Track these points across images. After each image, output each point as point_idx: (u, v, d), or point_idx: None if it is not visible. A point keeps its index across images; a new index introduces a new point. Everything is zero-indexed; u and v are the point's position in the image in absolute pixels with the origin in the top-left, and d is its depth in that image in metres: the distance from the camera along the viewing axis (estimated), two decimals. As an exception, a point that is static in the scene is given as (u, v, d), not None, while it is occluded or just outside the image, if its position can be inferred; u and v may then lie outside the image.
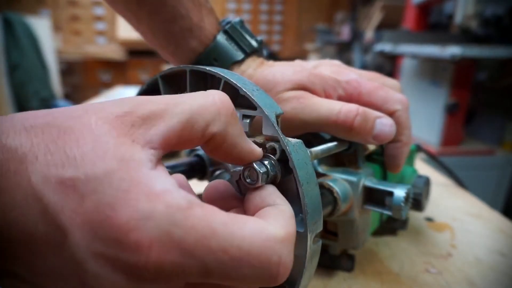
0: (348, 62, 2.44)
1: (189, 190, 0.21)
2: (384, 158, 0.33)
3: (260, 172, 0.20)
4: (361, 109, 0.29)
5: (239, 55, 0.32)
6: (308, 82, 0.31)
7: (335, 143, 0.30)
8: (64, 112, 0.16)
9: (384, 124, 0.29)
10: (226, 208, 0.20)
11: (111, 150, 0.15)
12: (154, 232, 0.14)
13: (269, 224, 0.17)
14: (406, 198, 0.28)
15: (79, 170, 0.14)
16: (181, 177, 0.23)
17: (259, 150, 0.21)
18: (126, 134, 0.16)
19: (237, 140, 0.19)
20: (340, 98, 0.32)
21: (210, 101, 0.18)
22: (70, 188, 0.14)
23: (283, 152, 0.21)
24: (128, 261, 0.14)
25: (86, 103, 0.17)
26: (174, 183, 0.16)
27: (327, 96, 0.31)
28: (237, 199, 0.22)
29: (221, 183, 0.22)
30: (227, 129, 0.18)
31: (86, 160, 0.14)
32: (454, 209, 0.49)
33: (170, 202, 0.15)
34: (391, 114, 0.31)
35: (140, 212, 0.14)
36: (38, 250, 0.14)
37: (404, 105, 0.32)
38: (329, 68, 0.34)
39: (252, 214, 0.19)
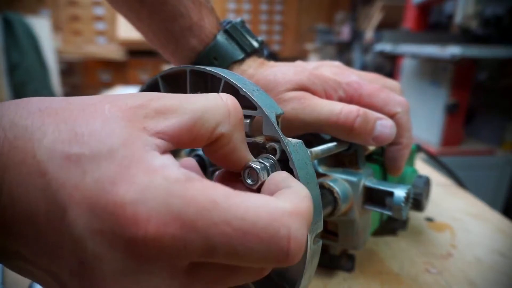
0: (348, 62, 2.44)
1: (198, 172, 0.21)
2: (384, 160, 0.33)
3: (260, 172, 0.20)
4: (362, 110, 0.29)
5: (240, 55, 0.32)
6: (309, 83, 0.31)
7: (335, 143, 0.30)
8: (80, 99, 0.17)
9: (384, 125, 0.29)
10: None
11: (119, 130, 0.15)
12: (151, 204, 0.14)
13: (277, 199, 0.16)
14: (406, 198, 0.28)
15: (85, 146, 0.14)
16: (191, 160, 0.22)
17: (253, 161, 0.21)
18: (138, 122, 0.16)
19: (239, 146, 0.19)
20: (340, 100, 0.32)
21: (222, 103, 0.18)
22: (74, 164, 0.14)
23: (283, 152, 0.21)
24: (126, 237, 0.14)
25: (103, 95, 0.18)
26: (176, 163, 0.16)
27: (328, 97, 0.31)
28: (243, 185, 0.21)
29: (226, 171, 0.22)
30: (233, 132, 0.19)
31: (92, 137, 0.15)
32: (454, 209, 0.49)
33: (168, 175, 0.15)
34: (391, 116, 0.31)
35: (138, 185, 0.14)
36: (39, 228, 0.14)
37: (405, 108, 0.32)
38: (330, 69, 0.34)
39: None
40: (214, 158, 0.20)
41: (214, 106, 0.18)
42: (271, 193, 0.18)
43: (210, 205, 0.14)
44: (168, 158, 0.16)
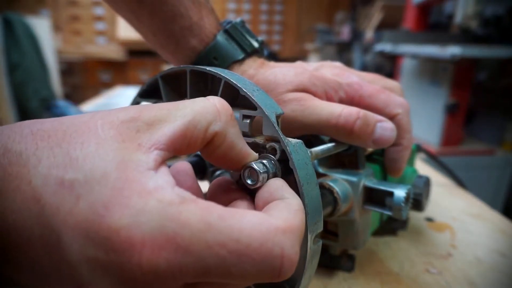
0: (348, 62, 2.44)
1: (192, 176, 0.21)
2: (384, 162, 0.33)
3: (260, 172, 0.20)
4: (362, 112, 0.29)
5: (240, 54, 0.32)
6: (309, 84, 0.31)
7: (335, 143, 0.30)
8: (72, 118, 0.17)
9: (384, 128, 0.29)
10: (229, 201, 0.20)
11: (113, 152, 0.15)
12: (145, 228, 0.14)
13: (271, 216, 0.16)
14: (407, 198, 0.28)
15: (79, 171, 0.14)
16: (185, 164, 0.22)
17: (255, 154, 0.21)
18: (132, 138, 0.16)
19: (236, 141, 0.19)
20: (341, 101, 0.32)
21: (210, 104, 0.19)
22: (68, 189, 0.14)
23: (283, 152, 0.21)
24: (120, 263, 0.14)
25: (93, 111, 0.18)
26: (170, 182, 0.16)
27: (328, 98, 0.31)
28: (240, 192, 0.22)
29: (223, 179, 0.22)
30: (227, 128, 0.19)
31: (87, 161, 0.15)
32: (454, 209, 0.49)
33: (162, 198, 0.15)
34: (392, 117, 0.31)
35: (131, 209, 0.14)
36: (35, 254, 0.14)
37: (405, 109, 0.32)
38: (330, 70, 0.34)
39: (261, 210, 0.19)
40: (213, 159, 0.20)
41: (202, 108, 0.18)
42: (265, 202, 0.19)
43: (204, 227, 0.14)
44: (163, 177, 0.16)
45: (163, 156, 0.17)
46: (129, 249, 0.14)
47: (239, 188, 0.22)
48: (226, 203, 0.20)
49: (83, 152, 0.15)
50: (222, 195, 0.21)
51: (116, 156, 0.15)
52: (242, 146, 0.20)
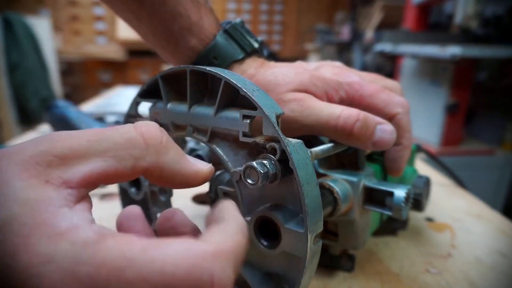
0: (348, 62, 2.44)
1: (142, 222, 0.20)
2: (384, 161, 0.33)
3: (261, 172, 0.20)
4: (362, 114, 0.28)
5: (240, 54, 0.32)
6: (309, 84, 0.31)
7: (335, 143, 0.30)
8: None
9: (384, 131, 0.29)
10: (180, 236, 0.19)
11: (15, 193, 0.14)
12: (56, 276, 0.13)
13: (200, 241, 0.15)
14: (407, 198, 0.28)
15: None
16: (134, 210, 0.20)
17: (206, 169, 0.20)
18: (39, 175, 0.15)
19: (176, 167, 0.18)
20: (341, 100, 0.32)
21: (135, 135, 0.17)
22: None
23: (283, 152, 0.21)
24: None
25: (8, 146, 0.16)
26: (88, 218, 0.15)
27: (329, 98, 0.31)
28: (191, 226, 0.20)
29: (169, 212, 0.20)
30: (160, 160, 0.17)
31: None
32: (454, 209, 0.49)
33: (75, 239, 0.13)
34: (392, 117, 0.31)
35: (40, 256, 0.13)
36: None
37: (405, 108, 0.32)
38: (330, 70, 0.34)
39: None
40: (162, 186, 0.19)
41: (128, 141, 0.17)
42: (209, 226, 0.17)
43: (123, 264, 0.13)
44: (79, 214, 0.14)
45: (78, 194, 0.15)
46: None
47: (189, 221, 0.20)
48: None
49: None
50: (171, 229, 0.20)
51: (19, 197, 0.14)
52: (186, 168, 0.19)
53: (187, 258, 0.14)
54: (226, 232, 0.16)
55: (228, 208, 0.18)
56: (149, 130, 0.18)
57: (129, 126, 0.17)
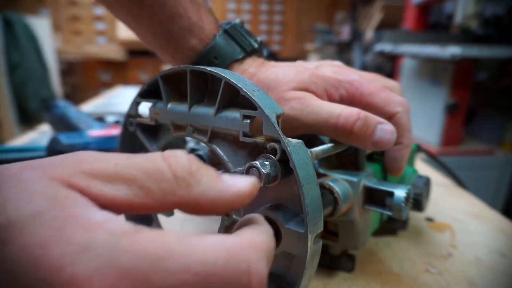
0: (348, 62, 2.44)
1: None
2: (384, 161, 0.33)
3: (263, 172, 0.20)
4: (363, 113, 0.28)
5: (240, 54, 0.32)
6: (310, 82, 0.31)
7: (335, 143, 0.30)
8: None
9: (384, 130, 0.29)
10: None
11: (43, 190, 0.14)
12: (93, 264, 0.12)
13: (233, 235, 0.15)
14: (407, 198, 0.28)
15: (1, 217, 0.13)
16: None
17: (248, 188, 0.18)
18: (62, 179, 0.14)
19: (212, 195, 0.16)
20: (341, 98, 0.32)
21: (164, 166, 0.16)
22: None
23: (284, 152, 0.21)
24: None
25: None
26: (120, 216, 0.15)
27: (329, 96, 0.31)
28: None
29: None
30: (192, 192, 0.16)
31: (8, 205, 0.13)
32: (454, 209, 0.49)
33: (114, 229, 0.13)
34: (392, 116, 0.31)
35: (76, 245, 0.12)
36: None
37: (405, 108, 0.32)
38: (330, 69, 0.34)
39: None
40: (206, 215, 0.18)
41: (156, 171, 0.15)
42: (240, 228, 0.18)
43: (164, 253, 0.13)
44: (109, 212, 0.14)
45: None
46: None
47: None
48: None
49: (1, 198, 0.13)
50: None
51: (46, 194, 0.14)
52: (224, 190, 0.17)
53: (224, 247, 0.14)
54: (257, 230, 0.17)
55: (256, 216, 0.19)
56: (178, 161, 0.16)
57: (158, 155, 0.16)
